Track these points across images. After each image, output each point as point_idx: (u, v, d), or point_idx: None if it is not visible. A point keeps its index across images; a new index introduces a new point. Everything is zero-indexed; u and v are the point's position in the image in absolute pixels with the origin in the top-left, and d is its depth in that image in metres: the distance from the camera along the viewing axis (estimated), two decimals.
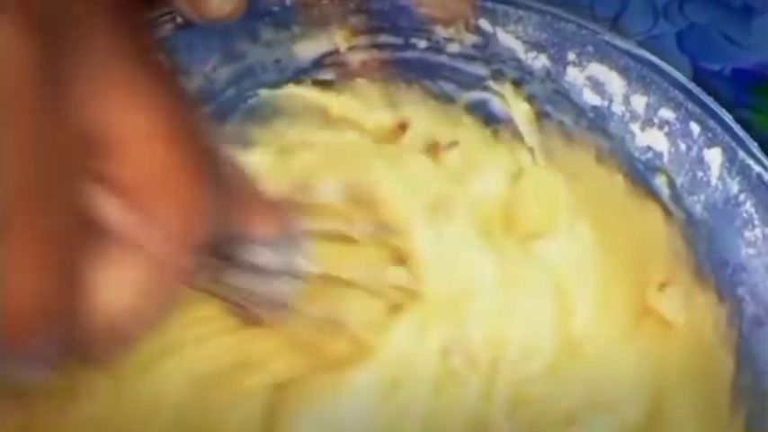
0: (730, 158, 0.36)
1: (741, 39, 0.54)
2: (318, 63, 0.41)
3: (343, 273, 0.37)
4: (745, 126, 0.39)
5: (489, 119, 0.41)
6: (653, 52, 0.39)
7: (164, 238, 0.24)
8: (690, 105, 0.37)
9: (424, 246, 0.39)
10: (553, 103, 0.39)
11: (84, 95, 0.22)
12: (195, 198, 0.24)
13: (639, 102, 0.38)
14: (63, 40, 0.22)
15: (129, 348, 0.26)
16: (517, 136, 0.40)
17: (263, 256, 0.33)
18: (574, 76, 0.39)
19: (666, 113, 0.37)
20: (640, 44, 0.52)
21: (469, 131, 0.41)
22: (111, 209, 0.23)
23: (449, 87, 0.41)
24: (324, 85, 0.41)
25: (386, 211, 0.39)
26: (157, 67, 0.25)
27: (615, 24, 0.54)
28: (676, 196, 0.37)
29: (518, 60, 0.39)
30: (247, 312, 0.36)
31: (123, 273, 0.24)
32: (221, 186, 0.26)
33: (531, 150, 0.41)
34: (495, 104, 0.40)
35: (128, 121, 0.23)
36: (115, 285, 0.24)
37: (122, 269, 0.24)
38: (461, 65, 0.40)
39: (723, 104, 0.37)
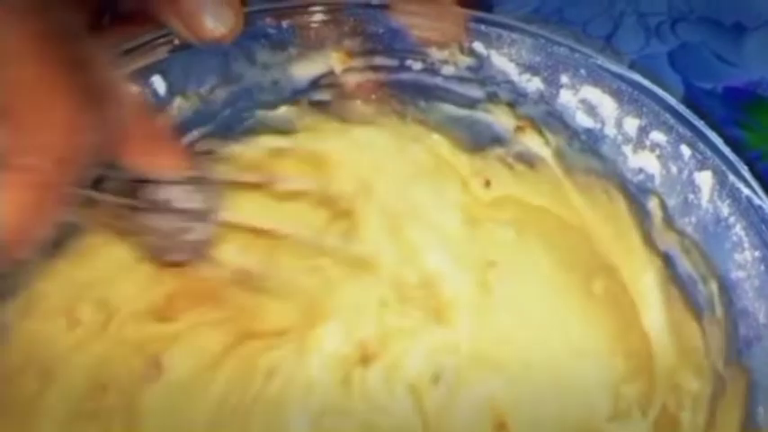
0: (720, 181, 0.37)
1: (733, 57, 0.55)
2: (315, 84, 0.41)
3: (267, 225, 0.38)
4: (737, 144, 0.39)
5: None
6: (645, 71, 0.40)
7: (42, 157, 0.25)
8: (681, 128, 0.38)
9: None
10: (547, 124, 0.40)
11: None
12: (73, 118, 0.25)
13: (632, 124, 0.38)
14: None
15: (10, 265, 0.27)
16: None
17: (177, 199, 0.34)
18: (567, 98, 0.39)
19: (658, 136, 0.38)
20: (633, 63, 0.53)
21: None
22: None
23: (446, 108, 0.41)
24: (320, 105, 0.41)
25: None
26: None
27: (608, 44, 0.54)
28: (668, 218, 0.38)
29: (512, 83, 0.40)
30: (161, 255, 0.37)
31: (3, 192, 0.24)
32: (108, 111, 0.27)
33: None
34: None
35: None
36: None
37: (2, 189, 0.24)
38: (456, 87, 0.41)
39: (715, 123, 0.38)
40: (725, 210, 0.36)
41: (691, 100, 0.53)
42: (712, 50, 0.55)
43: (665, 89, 0.39)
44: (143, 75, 0.39)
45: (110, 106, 0.28)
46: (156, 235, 0.35)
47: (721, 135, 0.38)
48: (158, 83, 0.39)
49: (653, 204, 0.38)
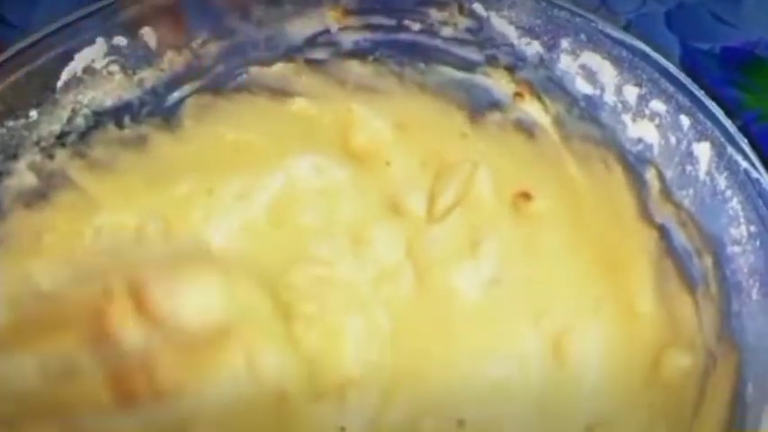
0: (719, 153, 0.36)
1: (730, 18, 0.54)
2: (310, 42, 0.40)
3: None
4: (734, 104, 0.39)
5: None
6: (642, 31, 0.39)
7: None
8: (680, 97, 0.37)
9: None
10: (546, 90, 0.39)
11: None
12: None
13: (631, 92, 0.38)
14: None
15: None
16: None
17: None
18: (567, 63, 0.39)
19: (658, 105, 0.38)
20: (629, 23, 0.52)
21: None
22: None
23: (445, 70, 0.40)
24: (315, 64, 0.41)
25: None
26: None
27: (603, 3, 0.53)
28: (666, 189, 0.37)
29: (511, 46, 0.39)
30: None
31: None
32: None
33: None
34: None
35: None
36: None
37: None
38: (455, 49, 0.40)
39: (712, 83, 0.37)
40: (722, 182, 0.36)
41: (687, 60, 0.52)
42: (710, 10, 0.54)
43: (662, 49, 0.38)
44: (132, 26, 0.38)
45: None
46: None
47: (718, 96, 0.37)
48: (149, 35, 0.39)
49: (650, 175, 0.38)
